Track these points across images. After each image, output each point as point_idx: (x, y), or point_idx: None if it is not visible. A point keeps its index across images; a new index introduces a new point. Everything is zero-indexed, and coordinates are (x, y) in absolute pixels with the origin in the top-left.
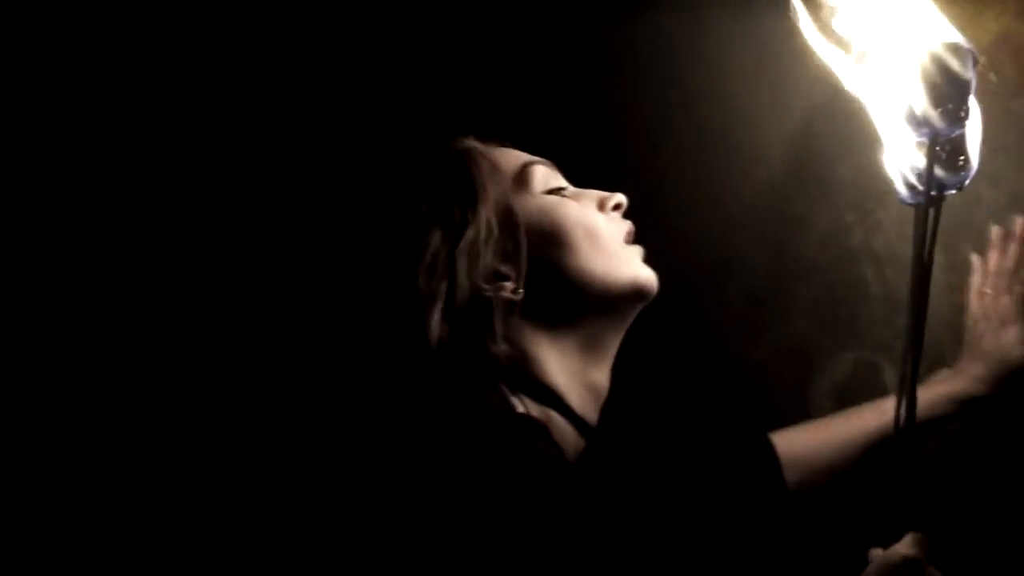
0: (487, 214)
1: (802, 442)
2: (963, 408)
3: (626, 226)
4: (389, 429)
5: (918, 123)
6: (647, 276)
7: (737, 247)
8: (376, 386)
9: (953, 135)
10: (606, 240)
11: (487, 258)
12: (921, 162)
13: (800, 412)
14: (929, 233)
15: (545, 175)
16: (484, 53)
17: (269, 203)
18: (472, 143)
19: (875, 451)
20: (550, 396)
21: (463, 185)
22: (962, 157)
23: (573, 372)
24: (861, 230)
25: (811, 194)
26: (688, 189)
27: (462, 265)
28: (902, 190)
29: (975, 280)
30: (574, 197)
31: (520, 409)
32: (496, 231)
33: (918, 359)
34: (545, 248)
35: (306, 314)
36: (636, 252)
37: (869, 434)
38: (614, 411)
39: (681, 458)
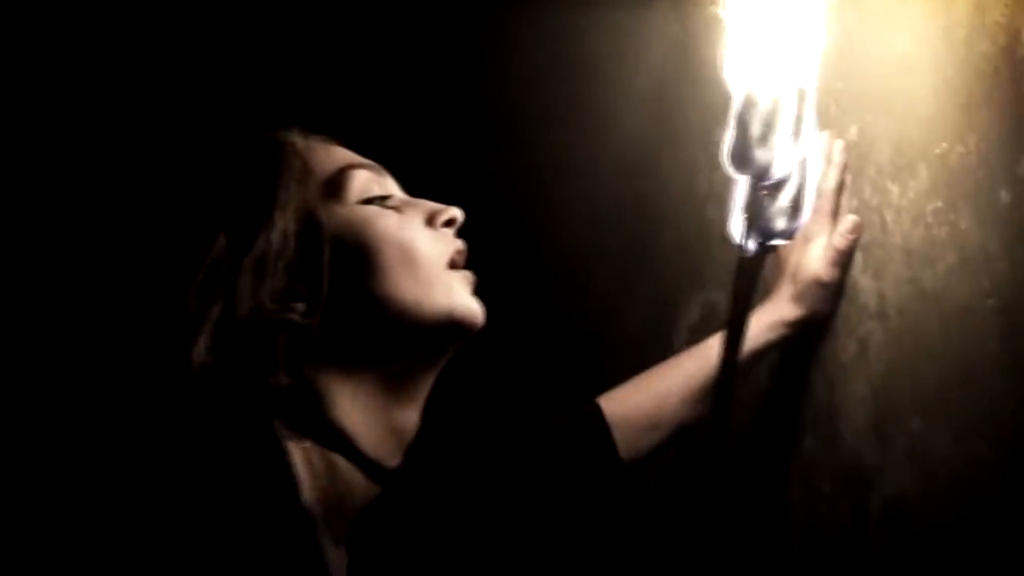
0: (284, 222)
1: (631, 403)
2: (783, 333)
3: (454, 246)
4: (111, 456)
5: (736, 161)
6: (466, 308)
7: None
8: (120, 407)
9: (773, 180)
10: (424, 262)
11: (277, 274)
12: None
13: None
14: (745, 282)
15: (365, 181)
16: (339, 45)
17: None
18: (292, 137)
19: (697, 398)
20: (337, 439)
21: (261, 185)
22: (792, 205)
23: (371, 413)
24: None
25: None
26: (561, 155)
27: (246, 279)
28: (733, 233)
29: None
30: (400, 208)
31: (295, 453)
32: (292, 243)
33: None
34: (349, 268)
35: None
36: (461, 279)
37: (689, 378)
38: (424, 444)
39: (501, 473)
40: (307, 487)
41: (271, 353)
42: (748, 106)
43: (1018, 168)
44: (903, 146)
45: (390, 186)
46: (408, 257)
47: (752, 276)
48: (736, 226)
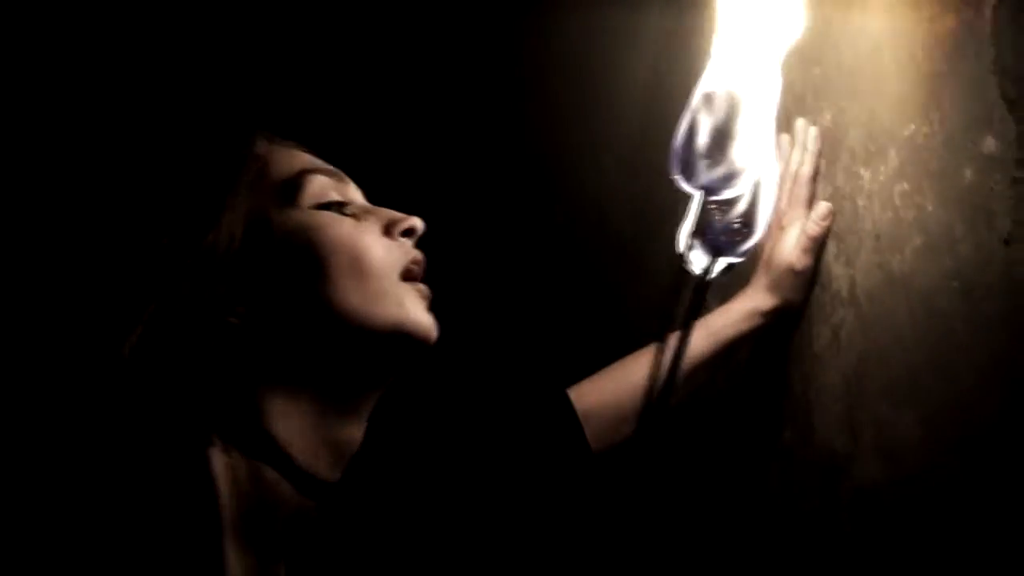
0: (232, 224)
1: (600, 396)
2: (758, 323)
3: (410, 256)
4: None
5: (683, 172)
6: (416, 321)
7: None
8: (40, 398)
9: (720, 195)
10: (375, 272)
11: (220, 276)
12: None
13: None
14: (689, 304)
15: (323, 187)
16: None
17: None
18: (257, 139)
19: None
20: (267, 449)
21: (213, 186)
22: (741, 223)
23: (308, 426)
24: None
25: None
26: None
27: (187, 279)
28: (681, 247)
29: None
30: (359, 216)
31: (216, 458)
32: (238, 245)
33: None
34: (296, 273)
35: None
36: (414, 291)
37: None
38: (368, 458)
39: (463, 469)
40: (224, 493)
41: (206, 356)
42: (703, 112)
43: (981, 146)
44: (874, 130)
45: (351, 193)
46: (358, 265)
47: (700, 292)
48: (684, 240)
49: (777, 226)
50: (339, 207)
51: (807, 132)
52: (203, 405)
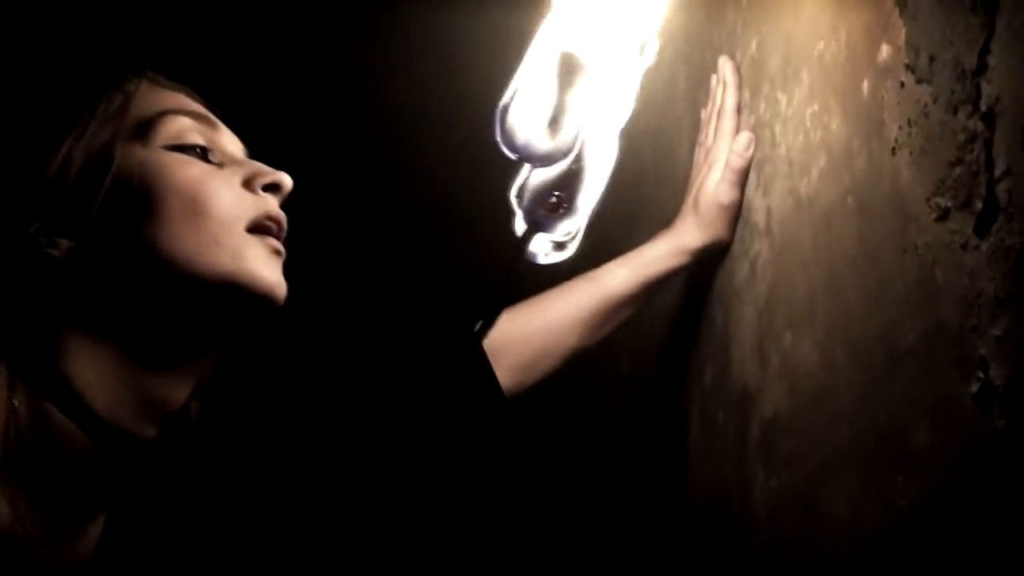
0: (72, 153)
1: (516, 330)
2: (684, 261)
3: (264, 209)
4: None
5: (502, 134)
6: (255, 275)
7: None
8: None
9: (541, 165)
10: (215, 218)
11: (48, 203)
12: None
13: None
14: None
15: (183, 129)
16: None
17: None
18: (131, 75)
19: (587, 325)
20: (60, 391)
21: (65, 114)
22: (558, 198)
23: (112, 375)
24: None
25: None
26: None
27: (14, 202)
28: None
29: (700, 136)
30: (222, 164)
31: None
32: (74, 176)
33: None
34: (127, 211)
35: None
36: (261, 245)
37: (580, 307)
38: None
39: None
40: None
41: (13, 282)
42: (534, 79)
43: (878, 56)
44: (790, 53)
45: (220, 141)
46: (196, 209)
47: (517, 257)
48: (513, 206)
49: (704, 162)
50: (197, 151)
51: (725, 66)
52: (2, 332)
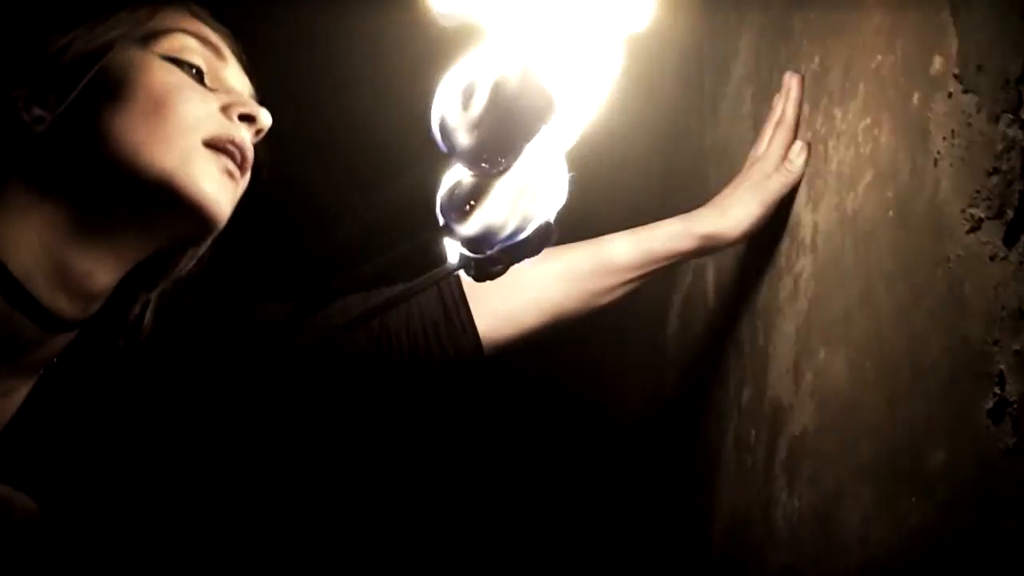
0: (79, 39)
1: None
2: (690, 244)
3: (228, 131)
4: None
5: (440, 130)
6: (194, 184)
7: None
8: None
9: (470, 167)
10: (174, 123)
11: (38, 74)
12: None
13: None
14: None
15: (185, 46)
16: None
17: None
18: (186, 4)
19: (576, 286)
20: None
21: (94, 6)
22: (472, 204)
23: (39, 236)
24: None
25: None
26: None
27: (10, 65)
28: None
29: (755, 147)
30: (210, 86)
31: None
32: (69, 57)
33: None
34: (99, 98)
35: None
36: (212, 160)
37: (573, 266)
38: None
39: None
40: None
41: None
42: (475, 81)
43: (931, 68)
44: (850, 67)
45: (224, 73)
46: (158, 110)
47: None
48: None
49: (749, 168)
50: (191, 69)
51: (792, 80)
52: None
